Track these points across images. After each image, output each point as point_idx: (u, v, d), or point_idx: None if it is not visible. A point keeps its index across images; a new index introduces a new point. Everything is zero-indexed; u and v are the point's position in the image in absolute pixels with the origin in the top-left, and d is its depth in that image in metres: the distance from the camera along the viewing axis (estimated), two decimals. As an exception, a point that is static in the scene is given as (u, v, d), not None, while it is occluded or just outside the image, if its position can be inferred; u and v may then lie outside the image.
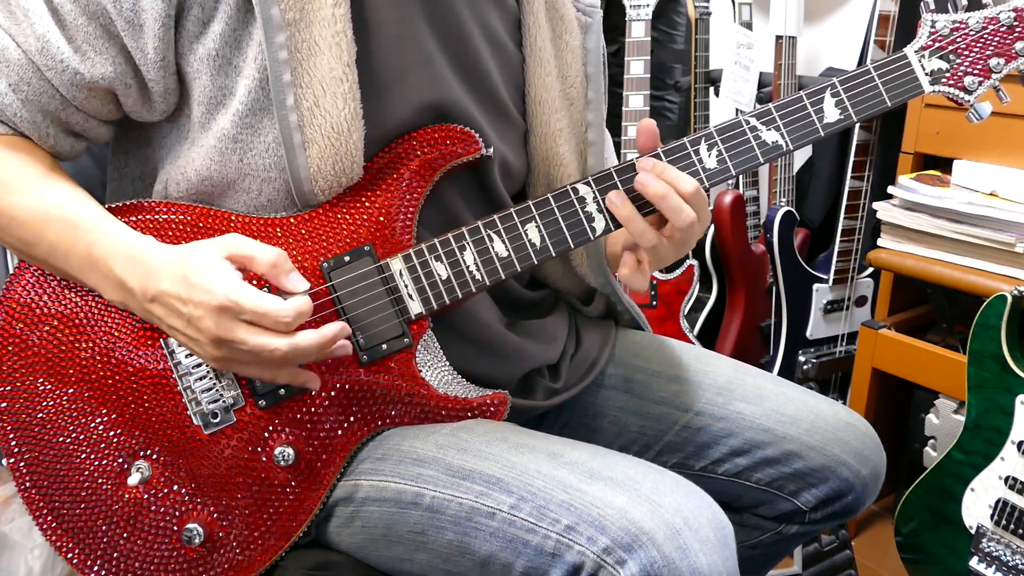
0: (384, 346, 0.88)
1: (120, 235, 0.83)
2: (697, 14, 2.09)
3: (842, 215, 1.89)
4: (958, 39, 0.92)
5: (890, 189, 1.65)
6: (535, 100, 0.99)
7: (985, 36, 0.92)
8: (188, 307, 0.78)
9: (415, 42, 0.90)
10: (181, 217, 0.87)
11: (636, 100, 1.99)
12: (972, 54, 0.92)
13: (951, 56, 0.92)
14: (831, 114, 0.91)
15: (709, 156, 0.90)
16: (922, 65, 0.92)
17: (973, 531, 1.37)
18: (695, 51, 2.12)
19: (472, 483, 0.83)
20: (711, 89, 2.17)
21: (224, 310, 0.77)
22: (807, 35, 2.17)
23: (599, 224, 0.90)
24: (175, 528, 0.86)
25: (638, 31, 1.96)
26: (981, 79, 0.92)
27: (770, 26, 2.03)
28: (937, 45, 0.92)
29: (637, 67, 1.97)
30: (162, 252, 0.81)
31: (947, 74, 0.92)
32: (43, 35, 0.82)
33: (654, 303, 2.10)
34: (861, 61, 1.99)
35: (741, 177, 2.16)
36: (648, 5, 1.95)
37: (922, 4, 0.93)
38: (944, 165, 1.64)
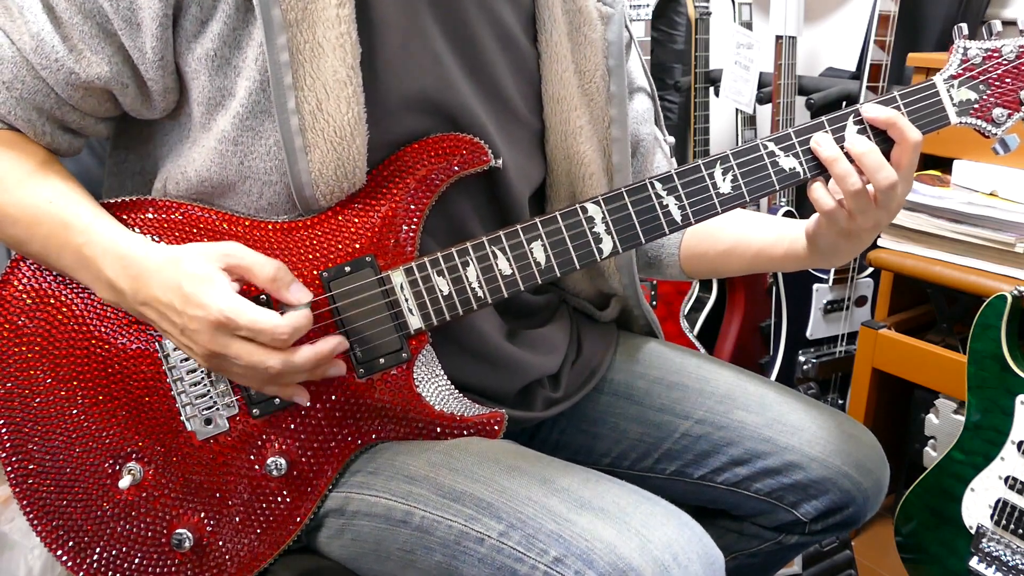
0: (382, 360, 0.86)
1: (110, 234, 0.81)
2: (697, 14, 2.09)
3: (842, 215, 1.88)
4: (990, 68, 0.87)
5: (890, 189, 1.64)
6: (552, 98, 0.96)
7: (1019, 66, 0.87)
8: (183, 318, 0.77)
9: (422, 42, 0.87)
10: (179, 216, 0.86)
11: (635, 100, 1.99)
12: (1003, 85, 0.87)
13: (981, 86, 0.87)
14: None
15: (724, 180, 0.87)
16: (950, 95, 0.88)
17: (973, 531, 1.37)
18: (695, 51, 2.12)
19: (462, 506, 0.81)
20: (711, 89, 2.16)
21: (219, 325, 0.75)
22: (807, 35, 2.16)
23: (606, 245, 0.88)
24: (165, 532, 0.86)
25: (638, 31, 1.96)
26: (1011, 111, 0.88)
27: (770, 26, 2.02)
28: (968, 74, 0.88)
29: (636, 67, 1.98)
30: (154, 256, 0.80)
31: (975, 105, 0.88)
32: (37, 33, 0.80)
33: (654, 303, 2.09)
34: (861, 61, 1.99)
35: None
36: (648, 5, 1.95)
37: (955, 29, 0.89)
38: (944, 165, 1.63)
